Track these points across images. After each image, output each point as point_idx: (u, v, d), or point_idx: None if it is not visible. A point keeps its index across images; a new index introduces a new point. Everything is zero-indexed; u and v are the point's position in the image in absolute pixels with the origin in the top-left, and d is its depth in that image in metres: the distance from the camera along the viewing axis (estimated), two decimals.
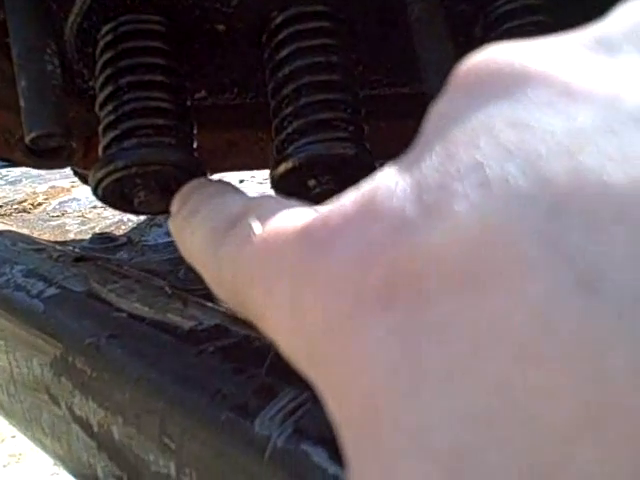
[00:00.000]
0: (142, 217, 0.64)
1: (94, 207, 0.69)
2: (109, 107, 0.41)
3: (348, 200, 0.17)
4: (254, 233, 0.23)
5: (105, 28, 0.42)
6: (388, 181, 0.16)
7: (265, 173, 0.76)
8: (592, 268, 0.12)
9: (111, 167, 0.39)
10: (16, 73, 0.38)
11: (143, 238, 0.59)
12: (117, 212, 0.68)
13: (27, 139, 0.37)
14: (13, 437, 2.76)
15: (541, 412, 0.12)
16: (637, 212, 0.12)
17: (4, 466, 2.61)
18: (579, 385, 0.11)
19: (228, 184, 0.35)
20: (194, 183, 0.35)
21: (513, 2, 0.43)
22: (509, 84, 0.15)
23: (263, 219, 0.24)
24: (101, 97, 0.42)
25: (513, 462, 0.12)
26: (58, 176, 0.81)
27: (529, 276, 0.12)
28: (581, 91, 0.14)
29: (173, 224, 0.34)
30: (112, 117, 0.41)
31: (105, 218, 0.66)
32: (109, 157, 0.40)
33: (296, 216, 0.21)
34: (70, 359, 0.43)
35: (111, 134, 0.40)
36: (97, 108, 0.42)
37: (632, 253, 0.11)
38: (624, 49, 0.15)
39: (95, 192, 0.41)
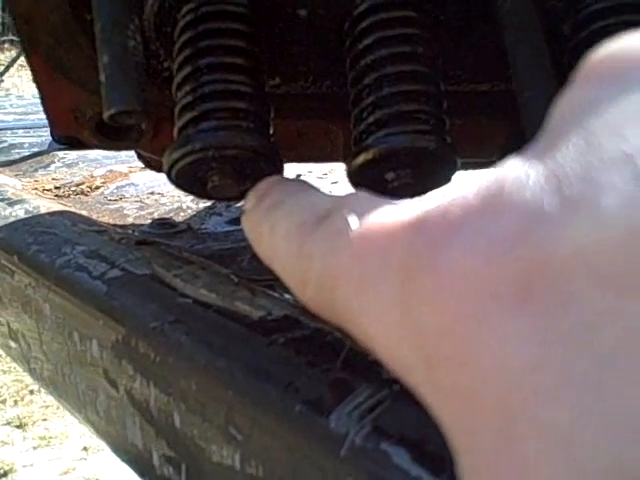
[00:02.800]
0: (201, 205, 0.64)
1: (152, 193, 0.68)
2: (187, 88, 0.40)
3: (469, 192, 0.16)
4: (350, 228, 0.22)
5: (186, 8, 0.42)
6: (517, 172, 0.15)
7: (323, 168, 0.75)
8: None
9: (188, 148, 0.38)
10: (98, 47, 0.37)
11: (203, 226, 0.59)
12: (175, 199, 0.68)
13: (106, 115, 0.37)
14: (44, 420, 2.79)
15: None
16: None
17: (34, 448, 2.64)
18: None
19: (306, 181, 0.35)
20: (272, 179, 0.34)
21: (605, 0, 0.42)
22: None
23: (359, 213, 0.22)
24: (179, 77, 0.41)
25: None
26: (114, 161, 0.81)
27: None
28: None
29: (248, 218, 0.33)
30: (190, 98, 0.40)
31: (163, 204, 0.65)
32: (186, 138, 0.39)
33: (400, 211, 0.19)
34: (132, 342, 0.43)
35: (188, 115, 0.40)
36: (174, 89, 0.42)
37: None
38: None
39: (168, 174, 0.40)
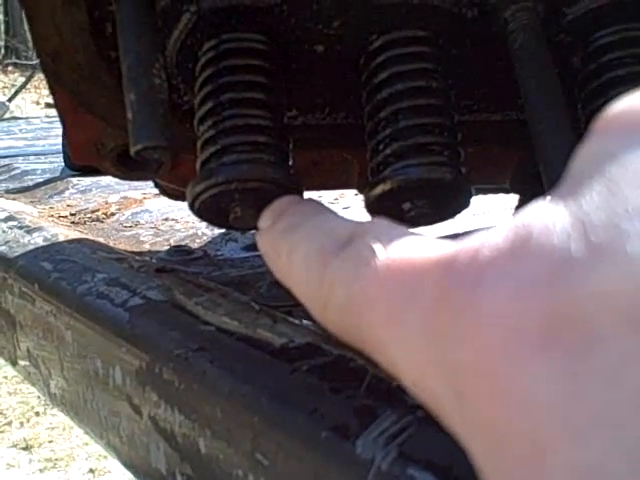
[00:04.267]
0: (216, 231, 0.65)
1: (166, 219, 0.70)
2: (209, 122, 0.42)
3: (499, 235, 0.17)
4: (376, 256, 0.23)
5: (207, 45, 0.43)
6: (543, 218, 0.16)
7: (334, 193, 0.76)
8: None
9: (211, 181, 0.40)
10: (125, 85, 0.39)
11: (219, 252, 0.60)
12: (190, 225, 0.69)
13: (133, 150, 0.38)
14: (50, 442, 2.79)
15: None
16: None
17: (40, 470, 2.64)
18: None
19: (321, 203, 0.35)
20: (286, 199, 0.35)
21: (614, 34, 0.43)
22: None
23: (383, 242, 0.23)
24: (201, 112, 0.43)
25: None
26: (127, 187, 0.82)
27: None
28: None
29: (264, 238, 0.34)
30: (212, 132, 0.41)
31: (178, 230, 0.67)
32: (209, 171, 0.40)
33: (429, 246, 0.20)
34: (157, 370, 0.44)
35: (211, 149, 0.41)
36: (196, 123, 0.43)
37: None
38: None
39: (192, 206, 0.42)
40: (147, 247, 0.63)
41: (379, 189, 0.40)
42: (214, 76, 0.43)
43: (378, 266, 0.23)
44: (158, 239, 0.65)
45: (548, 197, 0.17)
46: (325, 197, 0.76)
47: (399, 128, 0.41)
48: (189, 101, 0.48)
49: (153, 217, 0.71)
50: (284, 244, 0.31)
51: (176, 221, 0.70)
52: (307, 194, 0.76)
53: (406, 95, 0.41)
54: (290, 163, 0.43)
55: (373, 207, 0.42)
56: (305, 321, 0.45)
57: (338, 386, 0.35)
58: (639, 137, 0.16)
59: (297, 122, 0.49)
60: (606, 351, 0.14)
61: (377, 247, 0.24)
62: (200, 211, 0.42)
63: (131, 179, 0.54)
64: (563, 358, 0.14)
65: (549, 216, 0.16)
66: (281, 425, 0.35)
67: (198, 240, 0.64)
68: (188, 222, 0.69)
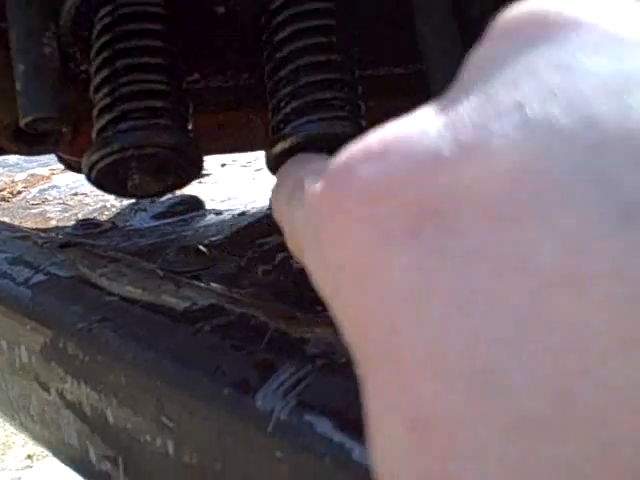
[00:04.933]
0: (125, 202, 0.64)
1: (75, 194, 0.68)
2: (105, 90, 0.41)
3: (375, 137, 0.17)
4: (302, 188, 0.24)
5: (103, 11, 0.42)
6: (420, 121, 0.16)
7: (247, 157, 0.76)
8: (633, 201, 0.12)
9: (107, 149, 0.39)
10: (13, 56, 0.37)
11: (128, 223, 0.59)
12: (99, 198, 0.68)
13: (22, 122, 0.37)
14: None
15: (567, 338, 0.12)
16: None
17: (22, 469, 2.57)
18: (611, 312, 0.12)
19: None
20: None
21: None
22: (553, 30, 0.16)
23: (308, 176, 0.24)
24: (97, 80, 0.42)
25: (540, 383, 0.12)
26: (36, 164, 0.80)
27: (564, 209, 0.13)
28: (628, 37, 0.14)
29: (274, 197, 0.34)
30: (108, 100, 0.41)
31: (87, 205, 0.65)
32: (105, 139, 0.40)
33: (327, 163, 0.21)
34: (61, 345, 0.43)
35: (107, 116, 0.40)
36: (92, 91, 0.42)
37: None
38: None
39: (88, 175, 0.41)
40: (54, 223, 0.62)
41: (279, 147, 0.40)
42: (110, 42, 0.42)
43: (300, 196, 0.24)
44: (66, 214, 0.64)
45: (431, 103, 0.17)
46: (239, 160, 0.76)
47: (299, 85, 0.41)
48: (86, 70, 0.47)
49: (61, 193, 0.70)
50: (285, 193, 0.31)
51: (85, 195, 0.69)
52: (216, 157, 0.76)
53: (306, 52, 0.41)
54: (190, 127, 0.42)
55: (275, 165, 0.42)
56: (212, 284, 0.45)
57: (239, 343, 0.35)
58: (517, 43, 0.16)
59: (199, 86, 0.49)
60: (461, 242, 0.14)
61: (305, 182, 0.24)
62: (98, 180, 0.41)
63: (31, 154, 0.52)
64: (422, 249, 0.15)
65: (426, 120, 0.16)
66: (184, 386, 0.35)
67: (107, 212, 0.63)
68: (98, 195, 0.68)
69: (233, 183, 0.70)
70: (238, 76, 0.48)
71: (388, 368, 0.15)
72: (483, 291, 0.13)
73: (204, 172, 0.77)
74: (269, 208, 0.59)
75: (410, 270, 0.15)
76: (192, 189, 0.68)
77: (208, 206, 0.63)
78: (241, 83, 0.49)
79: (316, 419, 0.30)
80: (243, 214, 0.59)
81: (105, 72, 0.41)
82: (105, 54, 0.42)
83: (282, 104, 0.40)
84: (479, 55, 0.18)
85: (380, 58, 0.49)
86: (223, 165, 0.75)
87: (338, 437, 0.29)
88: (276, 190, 0.31)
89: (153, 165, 0.40)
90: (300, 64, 0.40)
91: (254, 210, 0.59)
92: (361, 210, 0.16)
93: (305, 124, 0.39)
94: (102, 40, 0.42)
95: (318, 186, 0.19)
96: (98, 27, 0.43)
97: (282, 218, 0.29)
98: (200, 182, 0.72)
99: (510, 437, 0.13)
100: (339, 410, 0.30)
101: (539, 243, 0.13)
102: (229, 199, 0.64)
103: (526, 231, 0.13)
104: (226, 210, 0.61)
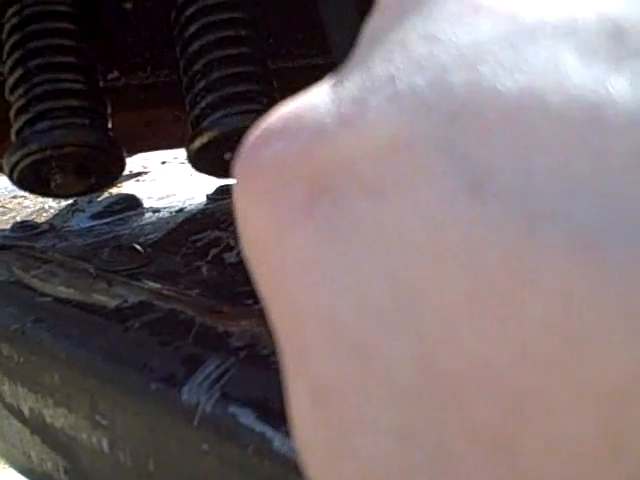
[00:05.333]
0: (63, 203, 0.64)
1: (14, 197, 0.68)
2: (20, 90, 0.41)
3: (275, 115, 0.18)
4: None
5: (10, 10, 0.42)
6: (313, 97, 0.17)
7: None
8: (480, 170, 0.13)
9: (25, 150, 0.39)
10: None
11: (65, 224, 0.59)
12: (38, 200, 0.68)
13: None
14: None
15: (428, 305, 0.13)
16: (523, 116, 0.13)
17: None
18: (463, 279, 0.13)
19: None
20: None
21: None
22: (424, 1, 0.16)
23: None
24: (11, 81, 0.42)
25: (408, 352, 0.13)
26: None
27: (423, 181, 0.13)
28: (487, 5, 0.15)
29: None
30: (23, 100, 0.41)
31: (26, 207, 0.65)
32: (22, 140, 0.40)
33: None
34: None
35: (23, 117, 0.40)
36: (7, 92, 0.42)
37: (514, 157, 0.12)
38: None
39: (10, 177, 0.41)
40: None
41: (198, 142, 0.40)
42: (20, 42, 0.42)
43: None
44: (4, 217, 0.63)
45: (327, 78, 0.18)
46: (179, 157, 0.76)
47: (212, 79, 0.41)
48: (1, 72, 0.47)
49: (0, 195, 0.69)
50: None
51: (25, 198, 0.68)
52: (156, 155, 0.75)
53: (216, 46, 0.41)
54: (109, 125, 0.42)
55: (196, 160, 0.42)
56: (146, 281, 0.45)
57: (167, 339, 0.36)
58: (397, 14, 0.17)
59: (120, 83, 0.49)
60: (345, 217, 0.15)
61: None
62: (20, 181, 0.41)
63: None
64: (316, 225, 0.15)
65: (319, 95, 0.17)
66: (115, 383, 0.36)
67: (45, 214, 0.63)
68: (37, 198, 0.67)
69: (171, 180, 0.70)
70: (158, 72, 0.48)
71: (294, 341, 0.16)
72: (365, 262, 0.14)
73: (143, 170, 0.77)
74: (206, 204, 0.59)
75: (306, 245, 0.16)
76: (130, 187, 0.68)
77: (146, 204, 0.62)
78: (162, 80, 0.49)
79: (239, 410, 0.30)
80: (180, 211, 0.59)
81: (18, 72, 0.41)
82: (17, 55, 0.41)
83: (198, 99, 0.41)
84: (368, 28, 0.18)
85: (295, 50, 0.49)
86: (163, 162, 0.75)
87: (260, 427, 0.29)
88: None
89: (74, 164, 0.40)
90: (212, 58, 0.40)
91: (191, 207, 0.59)
92: (263, 188, 0.17)
93: (221, 118, 0.39)
94: (12, 40, 0.42)
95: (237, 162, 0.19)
96: (7, 27, 0.42)
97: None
98: (138, 180, 0.72)
99: (389, 405, 0.14)
100: (261, 400, 0.30)
101: (404, 213, 0.14)
102: (167, 196, 0.64)
103: (394, 202, 0.14)
104: (164, 208, 0.61)
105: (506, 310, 0.12)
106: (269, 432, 0.29)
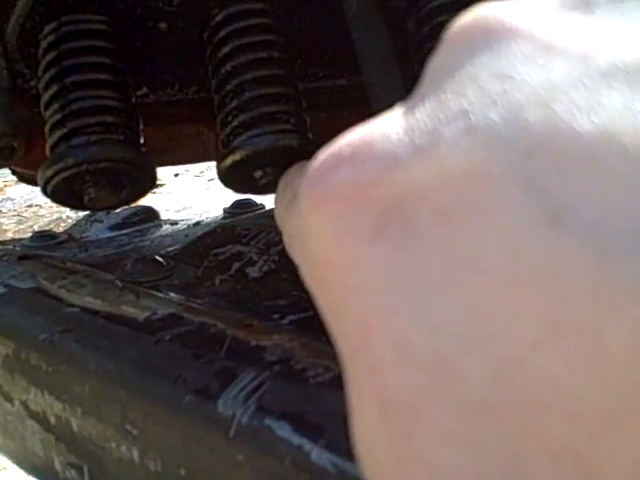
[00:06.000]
0: (81, 214, 0.65)
1: (30, 206, 0.69)
2: (55, 106, 0.42)
3: (345, 141, 0.19)
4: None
5: (47, 28, 0.43)
6: (383, 126, 0.18)
7: (200, 167, 0.77)
8: (560, 203, 0.14)
9: (61, 165, 0.40)
10: None
11: (84, 234, 0.60)
12: (54, 210, 0.68)
13: None
14: None
15: (505, 327, 0.14)
16: (598, 155, 0.14)
17: None
18: (541, 304, 0.14)
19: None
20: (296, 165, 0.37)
21: None
22: (495, 39, 0.17)
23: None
24: (46, 97, 0.43)
25: (483, 369, 0.14)
26: None
27: (502, 209, 0.14)
28: (559, 47, 0.16)
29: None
30: (59, 116, 0.41)
31: (42, 216, 0.66)
32: (58, 155, 0.40)
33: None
34: (23, 356, 0.44)
35: (59, 133, 0.41)
36: (42, 108, 0.43)
37: (592, 192, 0.13)
38: (600, 7, 0.17)
39: (44, 190, 0.42)
40: (10, 235, 0.62)
41: (229, 160, 0.41)
42: (57, 59, 0.43)
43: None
44: (22, 226, 0.64)
45: (395, 107, 0.19)
46: (192, 170, 0.77)
47: (244, 99, 0.42)
48: (35, 86, 0.48)
49: (16, 204, 0.70)
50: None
51: (40, 207, 0.69)
52: (169, 168, 0.76)
53: (249, 67, 0.42)
54: (141, 141, 0.43)
55: (226, 177, 0.43)
56: (170, 293, 0.46)
57: (199, 352, 0.37)
58: (468, 50, 0.18)
59: (149, 100, 0.50)
60: (420, 240, 0.16)
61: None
62: (54, 195, 0.42)
63: None
64: (387, 247, 0.16)
65: (389, 124, 0.18)
66: (146, 395, 0.36)
67: (63, 224, 0.64)
68: (53, 207, 0.68)
69: (187, 193, 0.71)
70: (186, 90, 0.49)
71: (362, 357, 0.17)
72: (439, 285, 0.15)
73: (158, 182, 0.78)
74: (224, 218, 0.60)
75: (377, 266, 0.17)
76: (147, 200, 0.69)
77: (163, 216, 0.64)
78: (190, 97, 0.50)
79: (275, 423, 0.31)
80: (198, 224, 0.60)
81: (54, 89, 0.42)
82: (52, 71, 0.42)
83: (229, 118, 0.42)
84: (434, 63, 0.19)
85: (323, 71, 0.50)
86: (176, 175, 0.76)
87: (297, 439, 0.30)
88: (277, 198, 0.32)
89: (108, 179, 0.41)
90: (244, 79, 0.42)
91: (208, 220, 0.61)
92: (334, 209, 0.18)
93: (253, 137, 0.40)
94: (49, 57, 0.43)
95: (302, 187, 0.20)
96: (44, 44, 0.43)
97: (282, 224, 0.30)
98: (154, 192, 0.73)
99: (462, 418, 0.15)
100: (297, 413, 0.31)
101: (482, 241, 0.15)
102: (184, 209, 0.65)
103: (471, 230, 0.15)
104: (181, 220, 0.62)
105: (584, 333, 0.13)
106: (306, 445, 0.30)
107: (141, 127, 0.44)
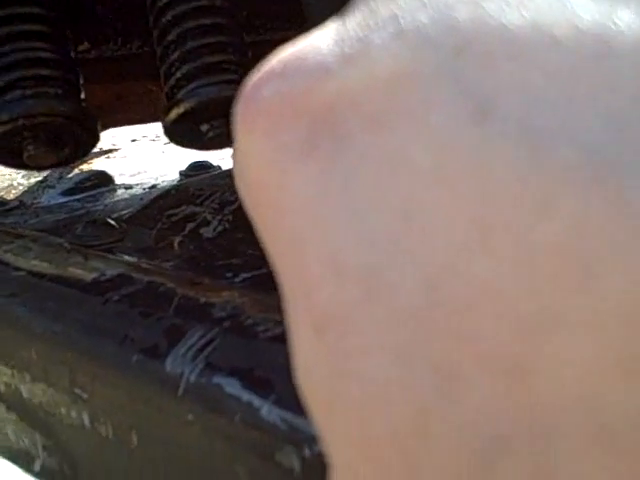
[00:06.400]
0: (33, 180, 0.63)
1: None
2: None
3: (276, 58, 0.18)
4: None
5: None
6: (315, 40, 0.17)
7: (157, 131, 0.75)
8: (486, 99, 0.13)
9: None
10: None
11: (36, 200, 0.58)
12: (6, 177, 0.66)
13: None
14: None
15: (434, 230, 0.13)
16: (528, 49, 0.13)
17: None
18: (470, 205, 0.13)
19: None
20: None
21: None
22: None
23: None
24: None
25: (414, 276, 0.13)
26: None
27: (429, 109, 0.14)
28: None
29: None
30: None
31: None
32: None
33: None
34: None
35: None
36: None
37: (520, 84, 0.13)
38: None
39: None
40: None
41: (174, 113, 0.40)
42: None
43: None
44: None
45: (328, 22, 0.18)
46: (149, 135, 0.75)
47: (187, 49, 0.40)
48: None
49: None
50: None
51: None
52: (127, 130, 0.74)
53: (191, 15, 0.41)
54: (82, 96, 0.42)
55: (172, 132, 0.42)
56: (124, 256, 0.44)
57: (148, 311, 0.35)
58: None
59: (91, 55, 0.48)
60: (350, 149, 0.15)
61: None
62: None
63: None
64: (318, 161, 0.16)
65: (320, 38, 0.17)
66: (94, 356, 0.35)
67: (14, 191, 0.62)
68: (4, 174, 0.66)
69: (142, 157, 0.69)
70: (130, 44, 0.48)
71: (295, 276, 0.16)
72: (368, 194, 0.15)
73: (113, 147, 0.76)
74: (179, 180, 0.58)
75: (308, 182, 0.16)
76: (101, 164, 0.67)
77: (118, 181, 0.62)
78: (134, 52, 0.48)
79: (224, 380, 0.30)
80: (153, 187, 0.59)
81: None
82: None
83: (173, 69, 0.40)
84: None
85: (270, 23, 0.49)
86: (133, 140, 0.74)
87: (246, 396, 0.29)
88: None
89: (47, 135, 0.40)
90: (186, 27, 0.40)
91: (164, 183, 0.59)
92: (265, 127, 0.17)
93: (197, 88, 0.39)
94: None
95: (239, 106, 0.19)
96: None
97: (234, 168, 0.29)
98: (109, 157, 0.71)
99: (392, 329, 0.14)
100: (246, 369, 0.30)
101: (411, 142, 0.14)
102: (139, 173, 0.64)
103: (400, 133, 0.14)
104: (136, 184, 0.60)
105: (516, 234, 0.12)
106: (255, 401, 0.29)
107: (82, 82, 0.42)
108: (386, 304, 0.14)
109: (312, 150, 0.16)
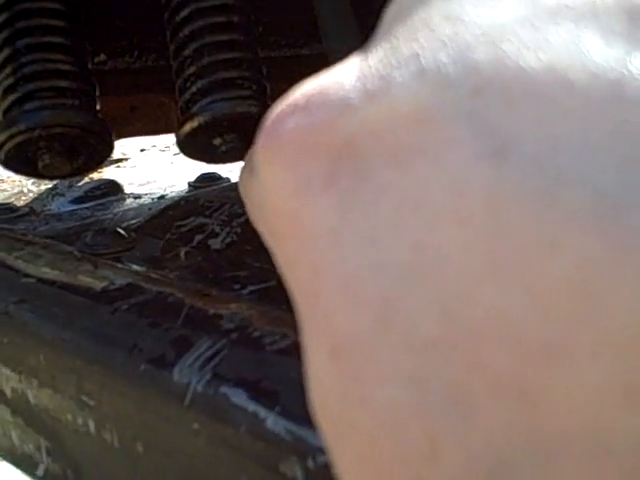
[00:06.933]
0: (43, 187, 0.63)
1: None
2: (7, 70, 0.41)
3: (299, 91, 0.18)
4: None
5: None
6: (338, 75, 0.18)
7: (166, 141, 0.76)
8: (504, 140, 0.14)
9: (13, 130, 0.39)
10: None
11: (46, 208, 0.59)
12: (16, 183, 0.67)
13: None
14: None
15: (450, 263, 0.14)
16: (546, 92, 0.14)
17: None
18: (484, 239, 0.13)
19: None
20: None
21: None
22: None
23: None
24: None
25: (429, 305, 0.14)
26: None
27: (446, 147, 0.14)
28: None
29: None
30: (11, 80, 0.40)
31: (4, 190, 0.64)
32: (10, 120, 0.39)
33: None
34: None
35: (11, 97, 0.40)
36: None
37: (538, 127, 0.13)
38: None
39: None
40: None
41: (188, 126, 0.40)
42: (9, 21, 0.41)
43: None
44: None
45: (349, 57, 0.19)
46: (158, 145, 0.75)
47: (203, 64, 0.41)
48: None
49: None
50: None
51: (2, 181, 0.68)
52: (137, 141, 0.75)
53: (208, 31, 0.42)
54: (97, 107, 0.42)
55: (185, 145, 0.42)
56: (132, 265, 0.45)
57: (156, 321, 0.36)
58: None
59: (107, 67, 0.48)
60: (370, 183, 0.16)
61: None
62: (7, 162, 0.41)
63: None
64: (339, 193, 0.16)
65: (343, 72, 0.18)
66: (102, 364, 0.36)
67: (24, 197, 0.62)
68: (15, 181, 0.67)
69: (152, 167, 0.70)
70: (146, 57, 0.48)
71: (314, 304, 0.17)
72: (387, 226, 0.15)
73: (123, 157, 0.76)
74: (188, 191, 0.59)
75: (328, 213, 0.16)
76: (111, 173, 0.68)
77: (127, 190, 0.62)
78: (150, 64, 0.49)
79: (231, 390, 0.31)
80: (162, 197, 0.59)
81: (6, 52, 0.41)
82: (5, 34, 0.41)
83: (188, 84, 0.41)
84: (388, 12, 0.19)
85: (285, 39, 0.49)
86: (142, 150, 0.74)
87: (252, 407, 0.30)
88: (242, 168, 0.32)
89: (62, 145, 0.40)
90: (203, 43, 0.41)
91: (173, 193, 0.60)
92: (286, 159, 0.18)
93: (212, 103, 0.39)
94: (0, 20, 0.42)
95: (259, 135, 0.20)
96: None
97: (245, 192, 0.29)
98: (119, 166, 0.71)
99: (406, 356, 0.14)
100: (253, 381, 0.31)
101: (429, 179, 0.14)
102: (148, 183, 0.64)
103: (419, 169, 0.15)
104: (145, 194, 0.61)
105: (527, 267, 0.13)
106: (261, 412, 0.29)
107: (97, 94, 0.43)
108: (400, 332, 0.14)
109: (333, 183, 0.16)
